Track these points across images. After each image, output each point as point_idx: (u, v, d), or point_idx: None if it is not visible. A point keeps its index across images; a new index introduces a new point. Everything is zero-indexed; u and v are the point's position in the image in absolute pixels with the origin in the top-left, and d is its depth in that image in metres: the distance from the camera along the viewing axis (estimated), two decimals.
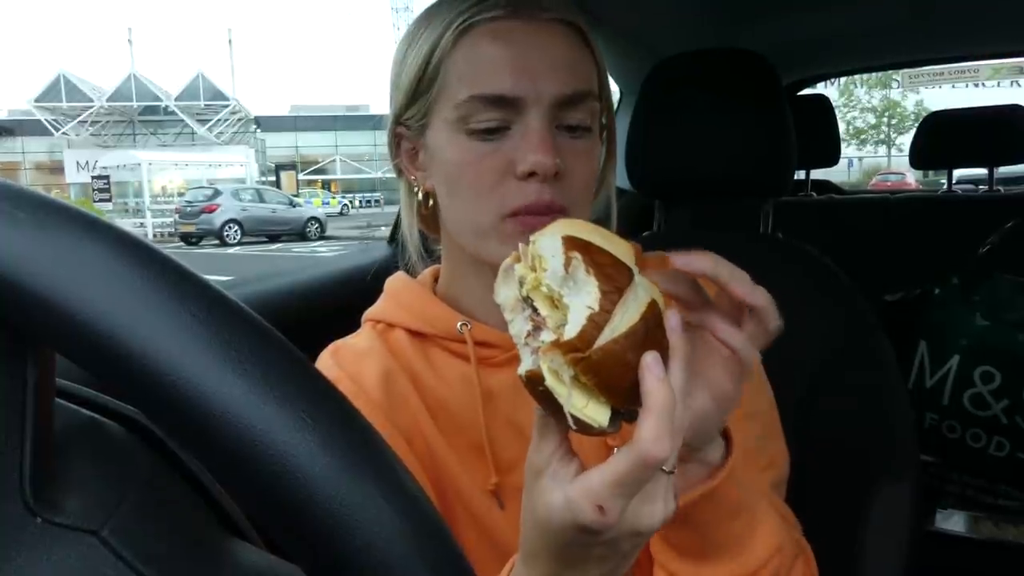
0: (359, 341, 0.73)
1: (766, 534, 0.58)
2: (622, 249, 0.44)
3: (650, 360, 0.41)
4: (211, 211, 17.49)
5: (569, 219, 0.46)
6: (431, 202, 0.70)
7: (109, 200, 23.06)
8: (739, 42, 1.24)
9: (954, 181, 2.37)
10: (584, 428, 0.42)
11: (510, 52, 0.62)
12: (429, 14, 0.67)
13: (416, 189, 0.71)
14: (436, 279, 0.76)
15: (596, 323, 0.41)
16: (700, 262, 0.47)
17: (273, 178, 31.92)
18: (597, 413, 0.42)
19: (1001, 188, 2.39)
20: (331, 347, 0.73)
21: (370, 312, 0.75)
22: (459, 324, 0.69)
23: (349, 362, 0.70)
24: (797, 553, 0.62)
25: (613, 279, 0.42)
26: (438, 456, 0.68)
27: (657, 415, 0.41)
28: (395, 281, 0.76)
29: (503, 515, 0.67)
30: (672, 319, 0.44)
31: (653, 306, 0.42)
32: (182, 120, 34.85)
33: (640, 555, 0.48)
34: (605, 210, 0.76)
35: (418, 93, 0.66)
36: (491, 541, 0.67)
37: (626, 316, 0.41)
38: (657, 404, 0.41)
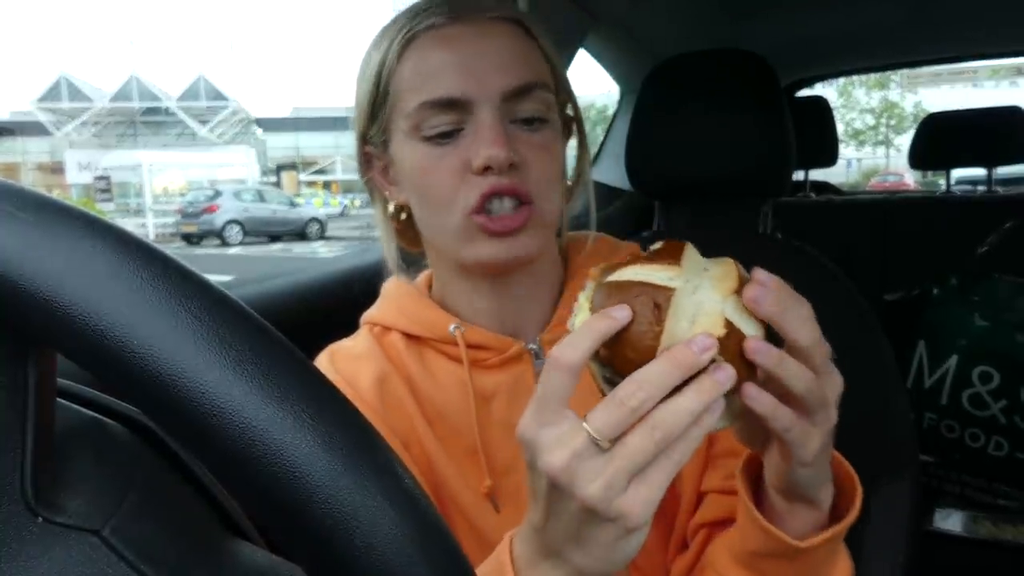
0: (356, 344, 0.73)
1: (843, 559, 0.58)
2: (726, 275, 0.45)
3: (613, 308, 0.43)
4: (212, 211, 17.51)
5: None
6: (404, 215, 0.71)
7: (111, 200, 23.07)
8: (738, 42, 1.24)
9: (953, 182, 2.37)
10: None
11: (453, 55, 0.63)
12: (381, 33, 0.68)
13: (390, 204, 0.71)
14: (430, 283, 0.76)
15: (612, 267, 0.46)
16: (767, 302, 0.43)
17: (274, 179, 31.90)
18: None
19: (1000, 189, 2.39)
20: (328, 350, 0.73)
21: (367, 315, 0.76)
22: (452, 327, 0.69)
23: (345, 365, 0.70)
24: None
25: (656, 253, 0.46)
26: (434, 460, 0.68)
27: (580, 327, 0.43)
28: (391, 284, 0.76)
29: (499, 518, 0.67)
30: (697, 340, 0.41)
31: (664, 291, 0.43)
32: (183, 121, 34.84)
33: None
34: (584, 204, 0.76)
35: (375, 109, 0.67)
36: (487, 545, 0.66)
37: (637, 275, 0.44)
38: (581, 326, 0.43)
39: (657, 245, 0.47)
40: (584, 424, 0.42)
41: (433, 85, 0.62)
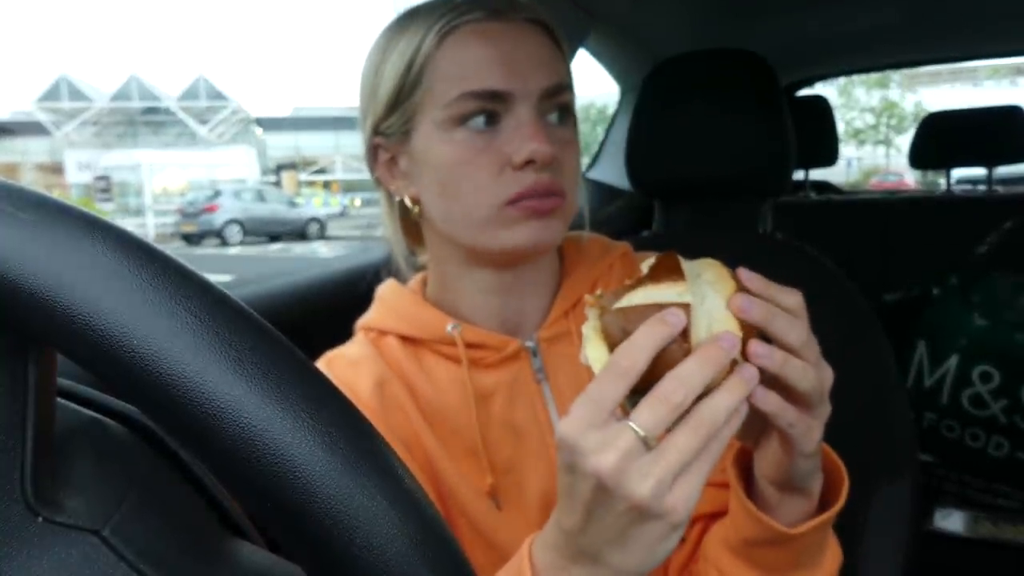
0: (352, 350, 0.73)
1: (833, 546, 0.60)
2: (720, 277, 0.46)
3: (666, 313, 0.44)
4: (212, 211, 17.53)
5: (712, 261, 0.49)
6: (416, 209, 0.70)
7: (111, 200, 23.10)
8: (738, 42, 1.24)
9: (953, 181, 2.37)
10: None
11: (496, 50, 0.64)
12: (401, 25, 0.67)
13: (398, 198, 0.71)
14: (425, 284, 0.76)
15: (617, 294, 0.47)
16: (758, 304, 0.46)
17: (274, 178, 31.93)
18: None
19: (1000, 188, 2.39)
20: (325, 357, 0.73)
21: (362, 320, 0.75)
22: (449, 326, 0.69)
23: (343, 371, 0.70)
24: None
25: (657, 271, 0.47)
26: (435, 460, 0.68)
27: (638, 334, 0.43)
28: (385, 288, 0.76)
29: (501, 516, 0.67)
30: (725, 338, 0.43)
31: (683, 308, 0.44)
32: (183, 121, 34.87)
33: None
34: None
35: (400, 99, 0.66)
36: (490, 543, 0.67)
37: (649, 297, 0.45)
38: (641, 331, 0.44)
39: (650, 261, 0.48)
40: (630, 423, 0.43)
41: (475, 76, 0.63)
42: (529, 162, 0.63)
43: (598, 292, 0.48)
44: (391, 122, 0.67)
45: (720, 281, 0.46)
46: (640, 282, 0.47)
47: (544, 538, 0.50)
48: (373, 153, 0.71)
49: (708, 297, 0.45)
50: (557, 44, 0.69)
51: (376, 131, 0.69)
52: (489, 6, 0.65)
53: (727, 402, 0.43)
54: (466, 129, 0.64)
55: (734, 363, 0.44)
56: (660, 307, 0.45)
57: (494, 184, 0.63)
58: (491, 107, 0.63)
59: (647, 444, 0.42)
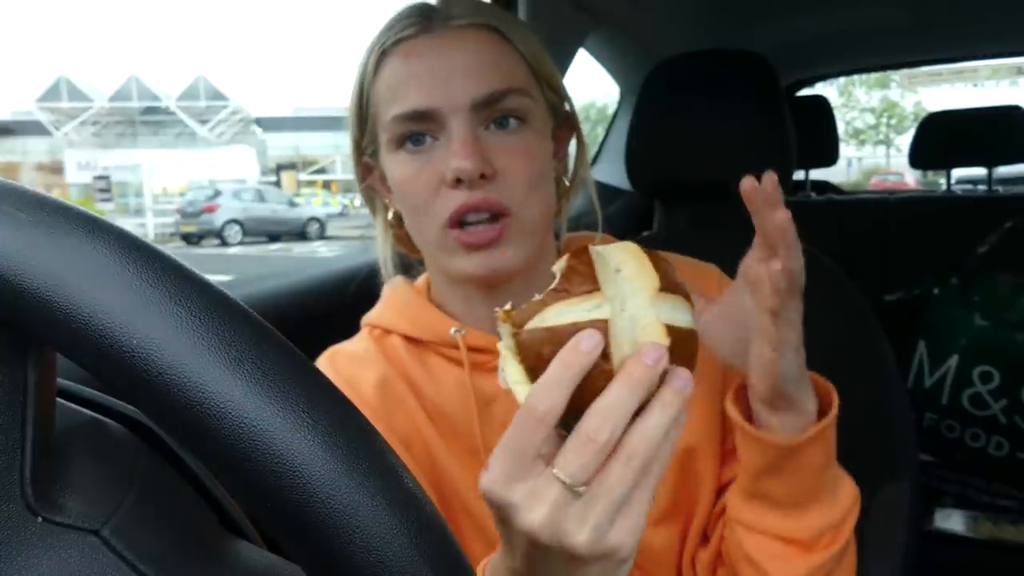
0: (356, 347, 0.73)
1: (848, 483, 0.60)
2: (641, 273, 0.41)
3: (581, 338, 0.39)
4: (212, 211, 17.52)
5: (637, 247, 0.43)
6: (403, 222, 0.71)
7: (110, 200, 23.09)
8: (739, 42, 1.24)
9: (953, 181, 2.37)
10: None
11: (420, 67, 0.63)
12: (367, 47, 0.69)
13: (389, 211, 0.73)
14: (430, 285, 0.76)
15: (529, 310, 0.41)
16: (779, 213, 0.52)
17: (274, 178, 31.91)
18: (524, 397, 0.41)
19: (1000, 188, 2.39)
20: (328, 352, 0.74)
21: (368, 317, 0.76)
22: (453, 330, 0.69)
23: (345, 367, 0.70)
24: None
25: (569, 280, 0.41)
26: (438, 460, 0.68)
27: (550, 372, 0.39)
28: (391, 287, 0.77)
29: None
30: (648, 353, 0.39)
31: (597, 324, 0.40)
32: (183, 121, 34.86)
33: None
34: (586, 204, 0.76)
35: (361, 122, 0.69)
36: (492, 541, 0.67)
37: (562, 316, 0.40)
38: (553, 367, 0.39)
39: (561, 264, 0.42)
40: (555, 472, 0.39)
41: (403, 98, 0.63)
42: (459, 180, 0.61)
43: (507, 306, 0.42)
44: (365, 142, 0.70)
45: (642, 275, 0.41)
46: (552, 295, 0.41)
47: (494, 570, 0.49)
48: (366, 169, 0.73)
49: (629, 301, 0.40)
50: (508, 43, 0.65)
51: (360, 150, 0.71)
52: (421, 20, 0.64)
53: (661, 422, 0.39)
54: (405, 150, 0.64)
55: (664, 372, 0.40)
56: (574, 327, 0.39)
57: (433, 205, 0.63)
58: (422, 127, 0.63)
59: (576, 492, 0.39)
